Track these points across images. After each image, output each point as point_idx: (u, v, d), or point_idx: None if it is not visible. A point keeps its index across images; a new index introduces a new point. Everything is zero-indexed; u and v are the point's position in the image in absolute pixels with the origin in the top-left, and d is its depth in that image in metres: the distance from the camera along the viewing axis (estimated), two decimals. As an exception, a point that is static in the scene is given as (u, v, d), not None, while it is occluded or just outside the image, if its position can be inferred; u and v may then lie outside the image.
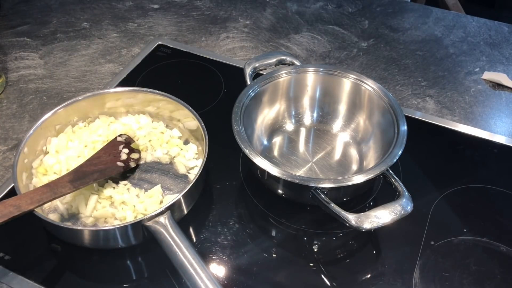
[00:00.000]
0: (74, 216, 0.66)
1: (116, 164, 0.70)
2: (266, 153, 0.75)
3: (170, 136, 0.76)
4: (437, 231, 0.67)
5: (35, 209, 0.58)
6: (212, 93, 0.88)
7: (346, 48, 1.00)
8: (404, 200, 0.59)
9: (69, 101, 0.73)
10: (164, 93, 0.75)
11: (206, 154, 0.66)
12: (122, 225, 0.59)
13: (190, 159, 0.73)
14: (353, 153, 0.75)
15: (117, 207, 0.66)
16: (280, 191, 0.68)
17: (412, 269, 0.63)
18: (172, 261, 0.56)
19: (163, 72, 0.93)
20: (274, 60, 0.78)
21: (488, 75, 0.93)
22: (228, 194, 0.72)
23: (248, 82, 0.74)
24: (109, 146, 0.72)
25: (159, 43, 0.99)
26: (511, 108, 0.88)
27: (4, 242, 0.65)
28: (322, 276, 0.63)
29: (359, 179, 0.61)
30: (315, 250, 0.66)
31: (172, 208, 0.61)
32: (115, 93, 0.76)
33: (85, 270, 0.64)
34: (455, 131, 0.82)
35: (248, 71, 0.75)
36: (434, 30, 1.05)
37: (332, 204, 0.59)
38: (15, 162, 0.64)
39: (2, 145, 0.79)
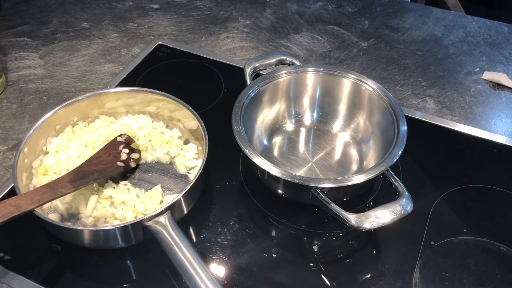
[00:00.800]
0: (74, 216, 0.66)
1: (116, 164, 0.70)
2: (266, 153, 0.75)
3: (170, 136, 0.76)
4: (437, 231, 0.67)
5: (35, 209, 0.58)
6: (212, 93, 0.88)
7: (346, 48, 1.00)
8: (404, 200, 0.59)
9: (69, 101, 0.73)
10: (164, 93, 0.75)
11: (206, 154, 0.66)
12: (122, 225, 0.59)
13: (190, 159, 0.73)
14: (353, 153, 0.75)
15: (117, 207, 0.66)
16: (280, 191, 0.68)
17: (412, 269, 0.63)
18: (172, 261, 0.56)
19: (163, 72, 0.93)
20: (274, 60, 0.77)
21: (488, 75, 0.93)
22: (228, 194, 0.72)
23: (248, 82, 0.74)
24: (109, 146, 0.72)
25: (159, 43, 0.99)
26: (511, 108, 0.88)
27: (4, 242, 0.65)
28: (322, 276, 0.63)
29: (359, 179, 0.61)
30: (315, 250, 0.66)
31: (172, 208, 0.61)
32: (115, 93, 0.76)
33: (85, 270, 0.64)
34: (455, 131, 0.82)
35: (248, 71, 0.75)
36: (434, 30, 1.05)
37: (332, 204, 0.59)
38: (15, 162, 0.64)
39: (2, 145, 0.79)
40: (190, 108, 0.73)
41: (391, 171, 0.63)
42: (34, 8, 1.10)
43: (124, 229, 0.59)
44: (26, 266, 0.63)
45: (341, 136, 0.78)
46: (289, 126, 0.79)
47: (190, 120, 0.74)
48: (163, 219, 0.59)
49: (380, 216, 0.57)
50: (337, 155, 0.75)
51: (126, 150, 0.72)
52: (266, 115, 0.77)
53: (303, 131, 0.79)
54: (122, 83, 0.90)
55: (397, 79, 0.93)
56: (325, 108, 0.79)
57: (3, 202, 0.57)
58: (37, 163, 0.70)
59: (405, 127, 0.66)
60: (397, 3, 1.13)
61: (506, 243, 0.66)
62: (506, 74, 0.93)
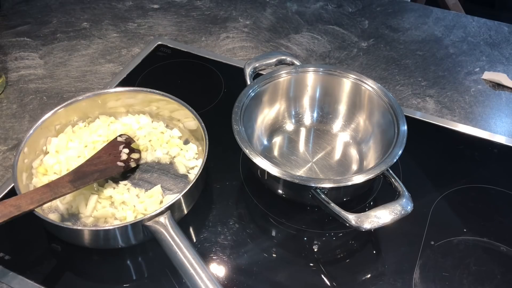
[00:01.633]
0: (74, 216, 0.66)
1: (116, 164, 0.70)
2: (266, 153, 0.75)
3: (170, 136, 0.76)
4: (437, 231, 0.67)
5: (35, 209, 0.58)
6: (212, 93, 0.88)
7: (346, 48, 1.00)
8: (404, 200, 0.59)
9: (69, 101, 0.73)
10: (164, 93, 0.75)
11: (206, 154, 0.66)
12: (122, 225, 0.59)
13: (190, 159, 0.73)
14: (353, 153, 0.75)
15: (117, 207, 0.66)
16: (280, 191, 0.68)
17: (412, 269, 0.63)
18: (172, 261, 0.56)
19: (163, 72, 0.93)
20: (274, 60, 0.77)
21: (488, 75, 0.93)
22: (228, 194, 0.72)
23: (248, 82, 0.74)
24: (109, 146, 0.72)
25: (159, 43, 0.99)
26: (511, 108, 0.88)
27: (4, 242, 0.65)
28: (322, 276, 0.63)
29: (359, 179, 0.61)
30: (315, 250, 0.66)
31: (172, 208, 0.61)
32: (115, 93, 0.76)
33: (85, 270, 0.64)
34: (455, 131, 0.82)
35: (248, 71, 0.75)
36: (434, 30, 1.05)
37: (332, 204, 0.59)
38: (15, 162, 0.64)
39: (2, 145, 0.79)
40: (190, 108, 0.73)
41: (391, 171, 0.63)
42: (34, 8, 1.10)
43: (124, 229, 0.59)
44: (26, 266, 0.63)
45: (341, 136, 0.78)
46: (289, 126, 0.79)
47: (190, 120, 0.74)
48: (163, 219, 0.59)
49: (380, 216, 0.57)
50: (337, 155, 0.75)
51: (126, 150, 0.72)
52: (266, 115, 0.77)
53: (303, 131, 0.79)
54: (122, 83, 0.89)
55: (397, 79, 0.93)
56: (325, 108, 0.79)
57: (3, 202, 0.57)
58: (37, 163, 0.70)
59: (405, 127, 0.66)
60: (397, 3, 1.13)
61: (506, 243, 0.66)
62: (506, 74, 0.93)
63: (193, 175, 0.71)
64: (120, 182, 0.70)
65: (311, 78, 0.77)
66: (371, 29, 1.06)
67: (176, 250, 0.57)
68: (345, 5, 1.12)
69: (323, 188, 0.61)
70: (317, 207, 0.62)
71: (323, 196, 0.61)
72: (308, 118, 0.80)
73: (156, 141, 0.75)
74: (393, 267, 0.64)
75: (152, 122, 0.78)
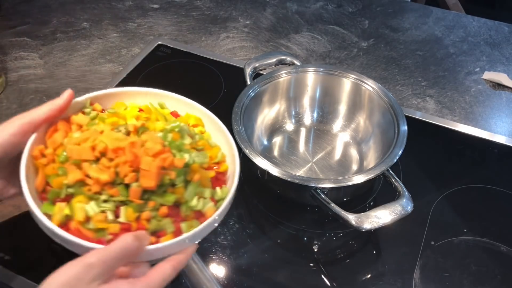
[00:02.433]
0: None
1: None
2: (266, 153, 0.75)
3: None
4: (437, 231, 0.67)
5: (35, 209, 0.58)
6: (212, 93, 0.88)
7: (346, 48, 1.00)
8: (404, 200, 0.58)
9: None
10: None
11: (206, 154, 0.66)
12: (122, 225, 0.58)
13: (190, 159, 0.73)
14: (353, 153, 0.75)
15: (117, 207, 0.66)
16: (280, 191, 0.68)
17: (412, 269, 0.63)
18: (172, 261, 0.56)
19: (163, 72, 0.93)
20: (274, 60, 0.77)
21: (488, 75, 0.93)
22: (228, 194, 0.72)
23: (248, 82, 0.74)
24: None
25: (159, 43, 0.99)
26: (511, 108, 0.88)
27: (4, 242, 0.65)
28: (322, 276, 0.63)
29: (359, 179, 0.61)
30: (315, 250, 0.66)
31: (172, 208, 0.61)
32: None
33: (85, 270, 0.63)
34: (455, 131, 0.82)
35: (248, 71, 0.75)
36: (434, 30, 1.05)
37: (332, 204, 0.59)
38: (15, 162, 0.64)
39: (2, 145, 0.79)
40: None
41: (391, 171, 0.63)
42: (34, 8, 1.09)
43: (124, 229, 0.59)
44: (26, 266, 0.63)
45: (341, 136, 0.78)
46: (289, 126, 0.79)
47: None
48: (163, 219, 0.59)
49: (380, 216, 0.57)
50: (337, 155, 0.75)
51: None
52: (266, 115, 0.77)
53: (303, 131, 0.79)
54: (122, 83, 0.89)
55: (397, 79, 0.93)
56: (325, 108, 0.79)
57: (3, 202, 0.57)
58: (37, 163, 0.70)
59: (405, 127, 0.66)
60: (397, 3, 1.13)
61: (506, 243, 0.66)
62: (506, 74, 0.93)
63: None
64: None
65: (311, 78, 0.77)
66: (371, 29, 1.06)
67: (176, 250, 0.57)
68: (345, 5, 1.12)
69: (323, 188, 0.61)
70: (317, 207, 0.62)
71: (323, 196, 0.61)
72: (308, 118, 0.80)
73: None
74: (393, 267, 0.64)
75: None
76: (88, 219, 0.44)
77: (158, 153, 0.45)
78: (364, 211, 0.58)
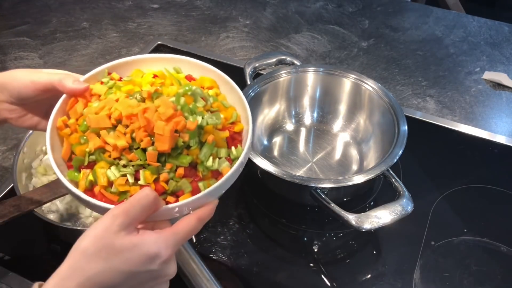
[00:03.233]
0: (73, 216, 0.66)
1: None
2: (266, 153, 0.75)
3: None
4: (438, 231, 0.67)
5: (35, 209, 0.58)
6: (212, 93, 0.88)
7: (346, 47, 1.00)
8: (404, 200, 0.58)
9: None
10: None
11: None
12: (122, 225, 0.59)
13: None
14: (353, 153, 0.75)
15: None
16: (280, 191, 0.68)
17: (413, 269, 0.63)
18: (172, 261, 0.56)
19: (163, 72, 0.93)
20: (274, 60, 0.77)
21: (488, 75, 0.93)
22: (228, 194, 0.72)
23: (248, 82, 0.74)
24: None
25: (159, 42, 0.99)
26: (511, 108, 0.88)
27: (4, 242, 0.65)
28: (322, 276, 0.63)
29: (359, 179, 0.60)
30: (315, 250, 0.66)
31: (172, 208, 0.61)
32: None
33: (85, 270, 0.63)
34: (456, 131, 0.82)
35: (248, 71, 0.75)
36: (435, 29, 1.05)
37: (332, 204, 0.59)
38: (15, 162, 0.64)
39: (1, 145, 0.79)
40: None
41: (391, 171, 0.63)
42: (34, 8, 1.09)
43: (124, 229, 0.59)
44: (26, 266, 0.63)
45: (341, 136, 0.78)
46: (289, 126, 0.79)
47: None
48: (163, 219, 0.59)
49: (381, 216, 0.57)
50: (337, 155, 0.75)
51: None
52: (266, 115, 0.77)
53: (303, 131, 0.79)
54: (122, 83, 0.89)
55: (398, 79, 0.93)
56: (325, 108, 0.79)
57: (3, 202, 0.57)
58: (37, 163, 0.70)
59: (406, 127, 0.66)
60: (398, 3, 1.13)
61: (506, 243, 0.66)
62: (507, 74, 0.93)
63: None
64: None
65: (311, 78, 0.77)
66: (371, 29, 1.05)
67: (176, 250, 0.57)
68: (345, 4, 1.12)
69: (323, 188, 0.61)
70: (317, 207, 0.62)
71: (323, 196, 0.61)
72: (308, 118, 0.79)
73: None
74: (393, 267, 0.64)
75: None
76: (110, 183, 0.45)
77: (170, 117, 0.46)
78: (364, 211, 0.58)
